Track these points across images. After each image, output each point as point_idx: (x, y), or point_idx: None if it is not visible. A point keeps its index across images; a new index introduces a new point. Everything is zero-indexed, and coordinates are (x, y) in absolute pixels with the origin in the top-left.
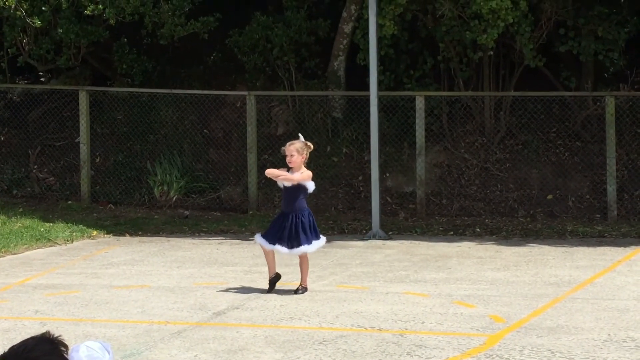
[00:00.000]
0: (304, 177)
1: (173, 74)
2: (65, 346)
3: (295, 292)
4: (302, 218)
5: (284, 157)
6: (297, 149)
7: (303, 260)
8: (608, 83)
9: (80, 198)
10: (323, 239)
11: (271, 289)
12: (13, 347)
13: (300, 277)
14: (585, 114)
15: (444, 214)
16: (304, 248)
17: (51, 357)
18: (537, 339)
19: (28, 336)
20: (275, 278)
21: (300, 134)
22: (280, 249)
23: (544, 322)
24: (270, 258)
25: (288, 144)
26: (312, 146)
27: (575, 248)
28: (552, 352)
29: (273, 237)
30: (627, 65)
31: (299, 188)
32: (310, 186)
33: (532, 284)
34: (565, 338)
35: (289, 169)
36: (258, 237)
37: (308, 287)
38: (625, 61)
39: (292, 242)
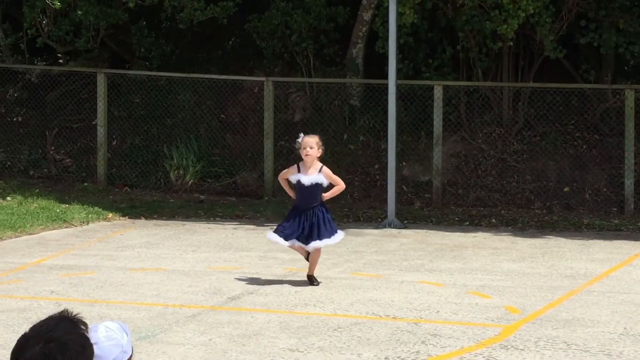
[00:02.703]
0: (333, 178)
1: (191, 58)
2: (85, 324)
3: (311, 282)
4: (319, 213)
5: (299, 148)
6: (317, 142)
7: (315, 253)
8: (628, 76)
9: (96, 180)
10: (342, 233)
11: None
12: (34, 326)
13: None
14: (604, 107)
15: (460, 204)
16: (317, 243)
17: (73, 336)
18: (552, 331)
19: (44, 316)
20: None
21: (301, 134)
22: (295, 242)
23: (560, 315)
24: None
25: (307, 135)
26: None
27: (591, 241)
28: (568, 345)
29: (288, 234)
30: None
31: (317, 186)
32: (325, 182)
33: (548, 276)
34: (581, 331)
35: (298, 167)
36: (271, 235)
37: (318, 275)
38: None
39: (308, 238)
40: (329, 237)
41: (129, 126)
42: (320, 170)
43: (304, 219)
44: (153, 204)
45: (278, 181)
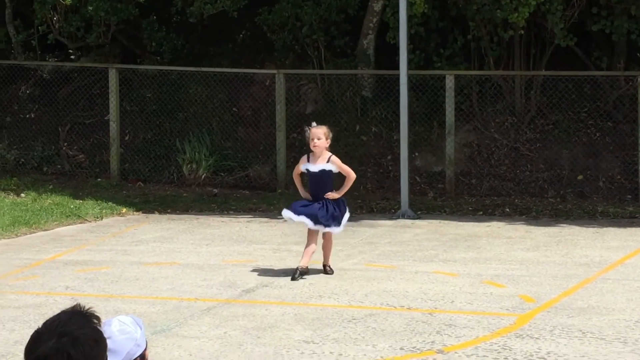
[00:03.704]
0: (342, 167)
1: (202, 52)
2: (98, 318)
3: (325, 272)
4: (334, 203)
5: (308, 139)
6: (325, 133)
7: (327, 239)
8: None
9: (109, 175)
10: (347, 213)
11: (294, 278)
12: (46, 322)
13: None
14: (617, 94)
15: (473, 194)
16: (330, 229)
17: (85, 330)
18: (567, 319)
19: (59, 312)
20: (305, 270)
21: (313, 123)
22: (305, 220)
23: (575, 303)
24: (312, 239)
25: (315, 126)
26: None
27: (605, 229)
28: (583, 333)
29: (300, 209)
30: None
31: (327, 173)
32: (335, 169)
33: (563, 264)
34: (596, 318)
35: (308, 156)
36: (285, 212)
37: (333, 267)
38: None
39: (319, 220)
40: (336, 225)
41: (141, 121)
42: (328, 160)
43: (318, 204)
44: (166, 199)
45: (291, 174)
